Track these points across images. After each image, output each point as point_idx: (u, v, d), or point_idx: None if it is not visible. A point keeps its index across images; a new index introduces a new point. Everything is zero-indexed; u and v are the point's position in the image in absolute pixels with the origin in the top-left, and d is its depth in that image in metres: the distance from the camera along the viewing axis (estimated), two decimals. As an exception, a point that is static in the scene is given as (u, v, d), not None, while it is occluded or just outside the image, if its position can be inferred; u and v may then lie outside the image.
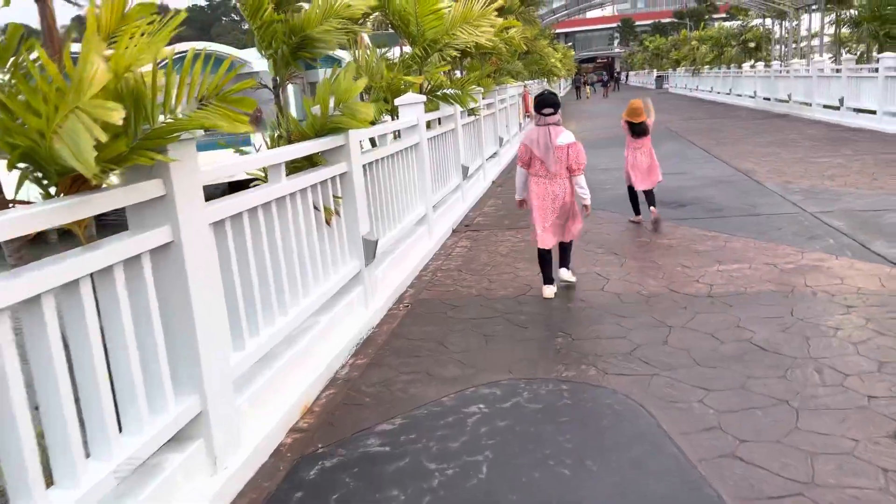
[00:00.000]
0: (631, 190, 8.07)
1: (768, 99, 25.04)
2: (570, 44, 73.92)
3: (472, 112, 11.00)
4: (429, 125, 8.14)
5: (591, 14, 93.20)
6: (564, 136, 5.50)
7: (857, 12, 17.38)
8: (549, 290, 5.63)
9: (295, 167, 5.01)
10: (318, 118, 4.90)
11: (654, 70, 62.55)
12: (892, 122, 15.16)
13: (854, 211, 7.67)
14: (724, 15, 66.08)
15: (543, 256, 5.68)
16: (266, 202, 3.77)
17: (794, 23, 26.78)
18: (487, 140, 12.85)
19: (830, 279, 5.45)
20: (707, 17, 62.21)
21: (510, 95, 17.14)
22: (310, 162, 5.04)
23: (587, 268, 6.34)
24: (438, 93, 8.62)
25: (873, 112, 16.02)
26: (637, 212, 8.07)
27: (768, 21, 30.14)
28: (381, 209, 6.01)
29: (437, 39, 8.01)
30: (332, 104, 4.89)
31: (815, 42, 29.23)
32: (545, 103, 5.58)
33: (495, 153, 13.86)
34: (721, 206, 8.48)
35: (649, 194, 7.80)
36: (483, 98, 12.76)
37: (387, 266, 5.98)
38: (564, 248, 5.86)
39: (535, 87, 26.58)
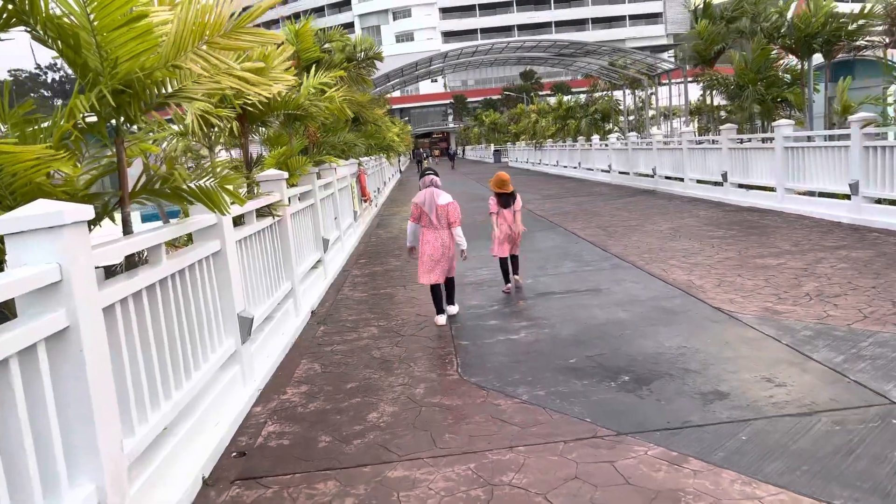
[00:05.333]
0: (503, 261, 8.23)
1: (626, 173, 22.97)
2: (406, 118, 72.22)
3: (266, 213, 6.62)
4: (132, 260, 3.68)
5: (424, 90, 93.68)
6: (444, 198, 6.96)
7: (734, 76, 15.33)
8: (442, 319, 6.96)
9: None
10: None
11: (492, 144, 61.85)
12: (796, 201, 12.72)
13: (977, 396, 4.10)
14: (548, 92, 67.82)
15: (434, 291, 7.05)
16: None
17: (651, 91, 25.41)
18: (303, 248, 8.46)
19: None
20: (533, 94, 63.05)
21: (340, 178, 12.98)
22: None
23: None
24: (165, 189, 4.16)
25: (769, 189, 13.62)
26: (508, 281, 8.21)
27: (616, 92, 28.84)
28: None
29: (139, 80, 3.61)
30: None
31: (652, 113, 28.17)
32: (428, 169, 7.31)
33: (318, 262, 9.48)
34: (723, 389, 4.61)
35: (515, 260, 8.37)
36: (291, 186, 8.43)
37: None
38: (449, 288, 7.21)
39: (373, 164, 22.75)
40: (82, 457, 2.83)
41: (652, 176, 20.40)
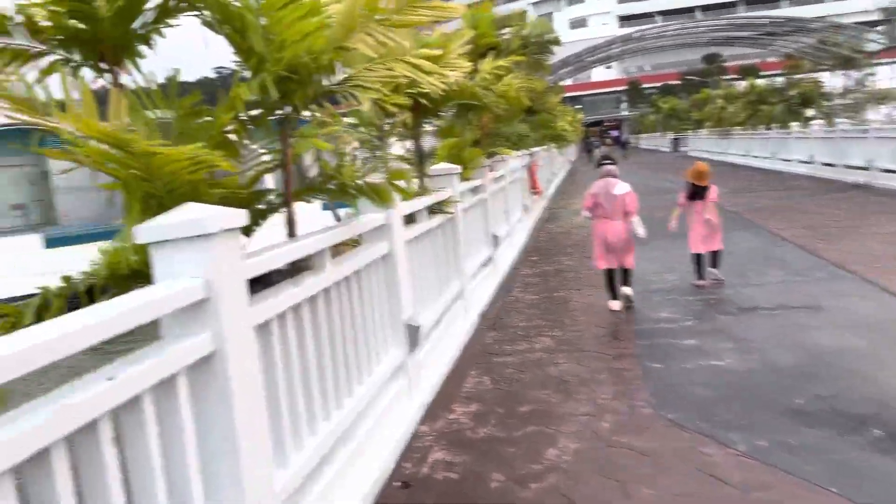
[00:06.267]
0: (697, 256, 7.89)
1: (831, 165, 20.26)
2: (578, 106, 70.04)
3: (437, 210, 6.18)
4: (300, 265, 3.31)
5: (596, 77, 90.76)
6: (621, 187, 7.08)
7: None
8: (616, 304, 7.09)
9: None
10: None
11: (668, 132, 58.34)
12: None
13: None
14: (734, 76, 62.57)
15: (608, 275, 7.21)
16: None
17: (867, 72, 22.25)
18: (472, 245, 7.98)
19: None
20: (715, 77, 58.27)
21: (511, 169, 12.42)
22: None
23: None
24: (331, 185, 3.77)
25: None
26: (701, 276, 7.86)
27: (819, 74, 25.64)
28: None
29: (305, 65, 3.21)
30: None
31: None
32: (605, 159, 7.65)
33: (488, 259, 8.97)
34: None
35: (716, 256, 7.85)
36: (463, 180, 7.97)
37: None
38: (625, 272, 7.12)
39: (543, 154, 21.99)
40: (226, 498, 2.45)
41: (867, 168, 17.75)
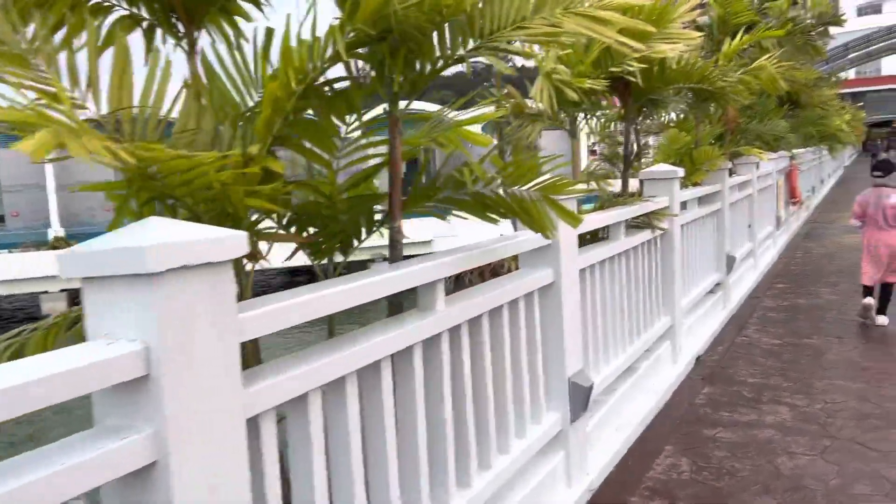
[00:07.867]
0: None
1: None
2: (859, 104, 60.10)
3: (644, 224, 4.82)
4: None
5: (888, 70, 77.63)
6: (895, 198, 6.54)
7: None
8: (870, 300, 6.59)
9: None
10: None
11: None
12: None
13: None
14: None
15: (866, 288, 6.70)
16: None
17: None
18: (695, 269, 6.39)
19: None
20: None
21: (762, 175, 10.29)
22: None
23: None
24: (462, 195, 2.69)
25: None
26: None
27: None
28: None
29: (400, 17, 2.16)
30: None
31: None
32: (876, 168, 6.89)
33: (717, 286, 7.26)
34: None
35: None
36: (693, 185, 6.45)
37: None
38: (885, 294, 6.65)
39: (809, 158, 18.68)
40: None
41: None
